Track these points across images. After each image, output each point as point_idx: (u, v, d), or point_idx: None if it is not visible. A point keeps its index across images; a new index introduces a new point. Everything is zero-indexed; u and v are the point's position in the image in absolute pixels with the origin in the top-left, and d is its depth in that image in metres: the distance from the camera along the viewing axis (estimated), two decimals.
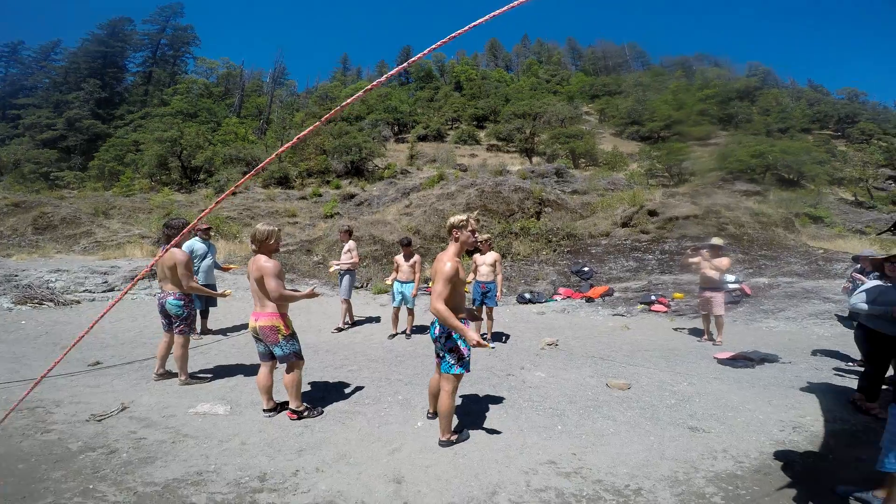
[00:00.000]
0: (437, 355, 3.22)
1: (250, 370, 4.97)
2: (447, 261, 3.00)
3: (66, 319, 7.29)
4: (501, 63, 76.62)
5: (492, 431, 3.43)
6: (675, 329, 7.60)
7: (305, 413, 3.69)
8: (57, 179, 34.14)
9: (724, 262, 6.62)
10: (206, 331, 6.84)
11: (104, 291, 9.75)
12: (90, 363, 5.06)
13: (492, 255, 6.41)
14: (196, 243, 6.61)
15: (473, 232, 3.15)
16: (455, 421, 3.55)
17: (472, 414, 3.76)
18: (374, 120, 40.77)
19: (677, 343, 6.77)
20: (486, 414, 3.79)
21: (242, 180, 1.65)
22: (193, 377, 4.61)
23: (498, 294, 6.32)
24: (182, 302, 4.43)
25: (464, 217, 3.13)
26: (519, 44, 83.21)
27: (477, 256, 6.54)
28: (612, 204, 16.33)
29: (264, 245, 3.60)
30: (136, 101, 53.03)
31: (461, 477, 2.73)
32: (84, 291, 9.50)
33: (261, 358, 3.73)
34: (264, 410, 3.72)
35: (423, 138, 39.81)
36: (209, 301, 6.91)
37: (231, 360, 5.39)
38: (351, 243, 7.29)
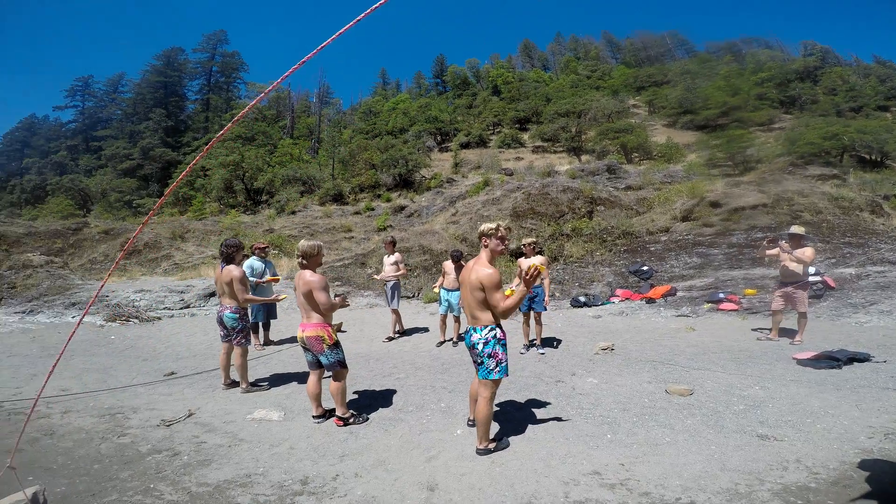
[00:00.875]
0: (475, 363, 3.19)
1: (305, 378, 5.18)
2: (485, 268, 3.01)
3: (148, 334, 8.03)
4: (538, 63, 74.84)
5: (534, 440, 3.31)
6: (755, 330, 6.91)
7: (351, 420, 3.79)
8: (139, 207, 38.00)
9: (807, 252, 5.96)
10: (268, 342, 7.24)
11: (181, 308, 10.65)
12: (166, 373, 5.53)
13: (538, 259, 6.23)
14: (254, 262, 7.03)
15: (503, 239, 3.15)
16: (496, 428, 3.48)
17: (514, 421, 3.67)
18: (418, 131, 41.48)
19: (749, 343, 6.20)
20: (530, 422, 3.68)
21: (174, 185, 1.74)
22: (254, 385, 4.89)
23: (546, 298, 6.14)
24: (237, 315, 4.74)
25: (493, 225, 3.16)
26: (553, 42, 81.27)
27: (522, 261, 6.36)
28: (670, 198, 15.40)
29: (311, 260, 3.76)
30: (199, 127, 57.43)
31: (495, 486, 2.66)
32: (164, 309, 10.44)
33: (309, 367, 3.89)
34: (313, 416, 3.87)
35: (465, 146, 39.84)
36: (270, 313, 7.31)
37: (289, 369, 5.66)
38: (396, 255, 7.45)
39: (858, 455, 2.90)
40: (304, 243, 3.79)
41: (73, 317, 9.27)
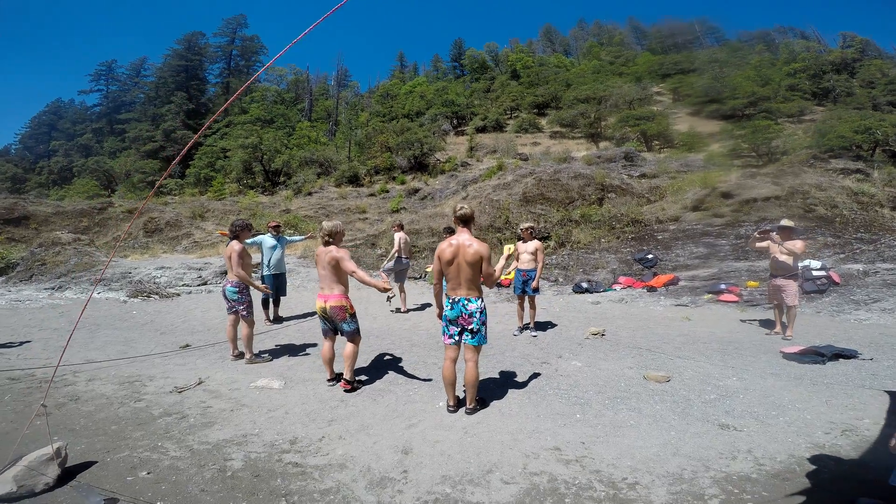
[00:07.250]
0: (468, 331, 3.53)
1: (307, 351, 5.61)
2: (481, 243, 3.48)
3: (167, 310, 8.52)
4: (559, 48, 72.34)
5: (508, 415, 3.57)
6: (744, 321, 7.03)
7: (357, 385, 4.19)
8: (161, 187, 38.93)
9: (798, 244, 6.03)
10: (277, 318, 7.60)
11: (198, 285, 11.17)
12: (181, 346, 5.95)
13: (533, 244, 6.44)
14: (266, 238, 7.39)
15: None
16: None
17: (494, 398, 3.92)
18: (434, 115, 41.17)
19: (742, 336, 6.29)
20: (508, 398, 3.93)
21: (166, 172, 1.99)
22: (258, 356, 5.25)
23: (534, 282, 6.33)
24: (237, 289, 5.07)
25: (469, 210, 3.64)
26: (575, 27, 78.59)
27: (519, 244, 6.58)
28: (683, 187, 15.24)
29: (336, 237, 4.20)
30: (219, 110, 57.72)
31: (463, 454, 2.92)
32: (183, 286, 10.97)
33: (324, 335, 4.34)
34: (328, 380, 4.35)
35: (481, 130, 39.31)
36: (279, 290, 7.61)
37: (293, 343, 6.04)
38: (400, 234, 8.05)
39: (809, 450, 2.98)
40: (328, 224, 4.20)
41: (98, 293, 9.85)
